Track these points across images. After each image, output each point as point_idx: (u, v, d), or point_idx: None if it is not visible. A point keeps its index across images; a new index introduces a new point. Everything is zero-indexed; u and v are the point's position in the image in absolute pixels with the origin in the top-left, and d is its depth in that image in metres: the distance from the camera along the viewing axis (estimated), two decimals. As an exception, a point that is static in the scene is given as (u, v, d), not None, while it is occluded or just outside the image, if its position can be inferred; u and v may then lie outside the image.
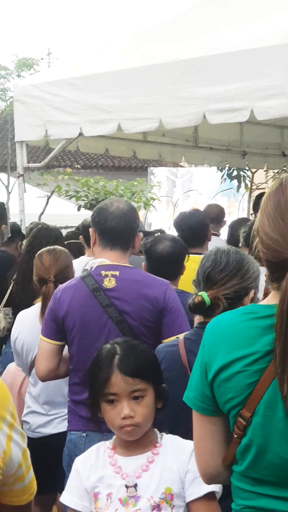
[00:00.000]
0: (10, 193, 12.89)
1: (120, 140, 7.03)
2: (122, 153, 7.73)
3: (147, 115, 5.04)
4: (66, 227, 7.96)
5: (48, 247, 3.84)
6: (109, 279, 3.10)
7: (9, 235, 5.48)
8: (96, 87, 5.35)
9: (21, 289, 4.38)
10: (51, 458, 3.29)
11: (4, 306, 4.79)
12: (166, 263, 3.77)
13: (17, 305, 4.42)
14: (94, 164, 23.30)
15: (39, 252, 3.82)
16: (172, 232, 10.11)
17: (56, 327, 3.17)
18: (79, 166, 18.20)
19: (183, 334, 3.00)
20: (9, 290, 4.69)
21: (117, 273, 3.12)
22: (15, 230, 5.92)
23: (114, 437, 2.34)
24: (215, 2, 5.68)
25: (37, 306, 3.74)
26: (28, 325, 3.74)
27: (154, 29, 6.00)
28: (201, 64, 4.71)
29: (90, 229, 3.31)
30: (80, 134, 5.60)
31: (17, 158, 6.24)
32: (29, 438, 3.83)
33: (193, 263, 3.97)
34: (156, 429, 2.35)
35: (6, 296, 4.70)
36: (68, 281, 3.27)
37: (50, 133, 5.80)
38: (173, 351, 2.63)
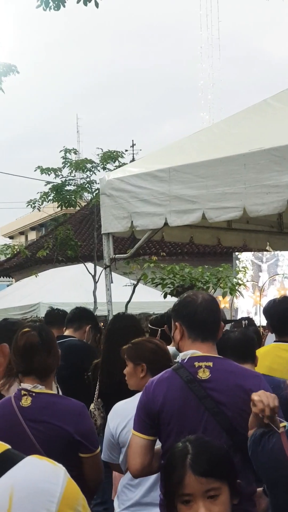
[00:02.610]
0: (97, 282, 13.05)
1: (204, 228, 7.08)
2: (207, 241, 7.76)
3: (231, 204, 5.09)
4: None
5: (146, 337, 3.88)
6: (203, 370, 3.08)
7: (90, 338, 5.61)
8: (180, 179, 5.44)
9: (108, 378, 4.35)
10: None
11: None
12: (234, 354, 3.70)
13: (108, 396, 4.34)
14: (179, 251, 23.51)
15: (146, 339, 3.88)
16: (260, 317, 9.91)
17: (150, 422, 3.14)
18: (164, 253, 18.37)
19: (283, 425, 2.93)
20: (98, 382, 4.63)
21: (210, 364, 3.10)
22: (84, 315, 5.89)
23: None
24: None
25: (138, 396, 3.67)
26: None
27: (235, 117, 6.12)
28: (284, 152, 4.74)
29: (176, 323, 3.28)
30: (165, 224, 5.68)
31: (104, 250, 6.36)
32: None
33: (284, 352, 3.90)
34: None
35: (97, 388, 4.57)
36: (160, 374, 3.23)
37: (136, 224, 5.90)
38: (277, 449, 2.54)
